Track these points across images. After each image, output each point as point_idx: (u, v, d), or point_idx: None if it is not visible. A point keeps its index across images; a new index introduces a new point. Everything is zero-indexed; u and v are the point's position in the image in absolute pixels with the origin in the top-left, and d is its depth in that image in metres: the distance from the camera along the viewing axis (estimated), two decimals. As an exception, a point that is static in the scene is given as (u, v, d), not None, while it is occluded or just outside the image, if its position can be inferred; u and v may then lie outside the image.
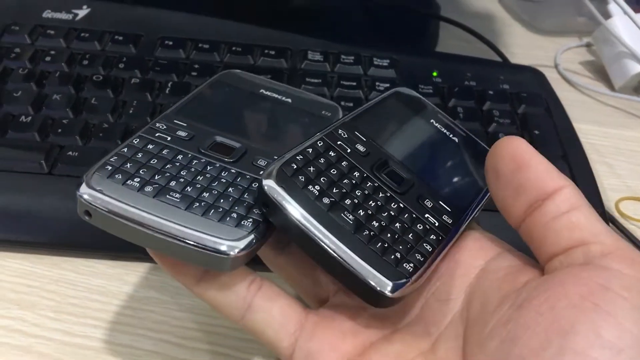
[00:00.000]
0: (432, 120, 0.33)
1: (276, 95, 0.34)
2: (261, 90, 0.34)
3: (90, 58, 0.45)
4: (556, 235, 0.24)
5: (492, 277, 0.26)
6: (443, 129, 0.33)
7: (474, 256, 0.27)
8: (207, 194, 0.26)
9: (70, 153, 0.38)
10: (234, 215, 0.25)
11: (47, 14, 0.49)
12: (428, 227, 0.27)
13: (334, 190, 0.26)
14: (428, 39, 0.59)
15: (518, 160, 0.24)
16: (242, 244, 0.25)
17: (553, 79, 0.54)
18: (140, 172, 0.26)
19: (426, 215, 0.27)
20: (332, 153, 0.27)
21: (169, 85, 0.43)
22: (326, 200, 0.25)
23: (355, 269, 0.24)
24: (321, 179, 0.26)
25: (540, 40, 0.64)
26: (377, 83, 0.46)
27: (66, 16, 0.49)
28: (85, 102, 0.41)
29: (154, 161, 0.27)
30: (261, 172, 0.26)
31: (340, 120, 0.30)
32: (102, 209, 0.25)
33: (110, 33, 0.47)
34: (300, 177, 0.26)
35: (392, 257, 0.25)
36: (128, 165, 0.26)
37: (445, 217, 0.27)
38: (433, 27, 0.60)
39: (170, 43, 0.47)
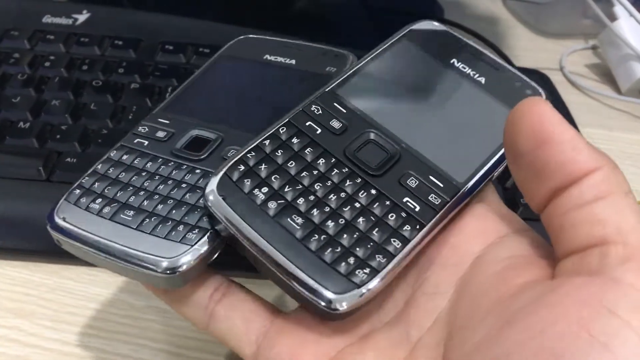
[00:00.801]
0: (453, 61, 0.28)
1: (280, 59, 0.32)
2: (266, 56, 0.32)
3: (89, 63, 0.44)
4: (574, 230, 0.20)
5: (487, 270, 0.22)
6: (465, 72, 0.28)
7: (472, 240, 0.24)
8: (162, 206, 0.25)
9: (68, 159, 0.37)
10: (180, 228, 0.25)
11: (47, 19, 0.48)
12: (404, 216, 0.23)
13: (287, 190, 0.24)
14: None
15: (540, 134, 0.20)
16: (184, 259, 0.24)
17: (558, 82, 0.53)
18: (105, 191, 0.26)
19: (405, 199, 0.24)
20: (295, 140, 0.25)
21: (169, 90, 0.43)
22: (272, 205, 0.23)
23: (296, 283, 0.22)
24: (273, 177, 0.24)
25: (545, 43, 0.63)
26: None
27: (66, 21, 0.48)
28: (84, 108, 0.41)
29: (122, 175, 0.27)
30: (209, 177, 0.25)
31: (322, 89, 0.27)
32: (64, 238, 0.26)
33: (110, 38, 0.47)
34: (246, 180, 0.24)
35: (344, 264, 0.22)
36: (96, 185, 0.26)
37: (432, 197, 0.24)
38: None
39: (171, 48, 0.46)
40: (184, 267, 0.24)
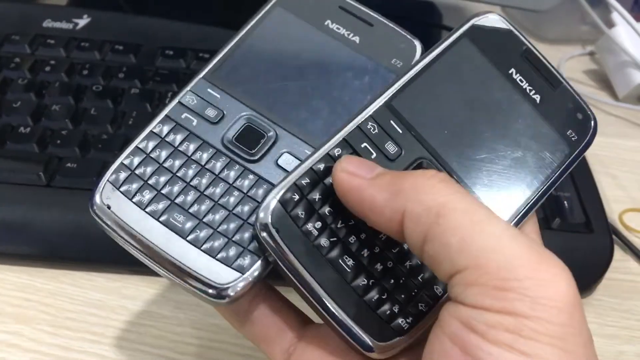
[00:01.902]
0: (511, 72, 0.26)
1: (343, 32, 0.28)
2: (327, 22, 0.28)
3: (90, 68, 0.44)
4: (432, 269, 0.21)
5: None
6: (522, 87, 0.26)
7: None
8: (213, 215, 0.25)
9: (69, 165, 0.38)
10: (232, 250, 0.24)
11: (48, 24, 0.48)
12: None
13: (339, 227, 0.23)
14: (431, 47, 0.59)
15: (358, 213, 0.22)
16: (236, 287, 0.24)
17: (556, 89, 0.53)
18: (152, 179, 0.25)
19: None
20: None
21: (169, 95, 0.43)
22: (326, 243, 0.23)
23: (339, 327, 0.23)
24: (327, 210, 0.23)
25: (543, 49, 0.62)
26: (378, 93, 0.46)
27: (66, 25, 0.48)
28: (84, 113, 0.41)
29: (169, 162, 0.26)
30: (261, 203, 0.23)
31: (379, 100, 0.25)
32: (109, 226, 0.25)
33: (110, 42, 0.47)
34: (300, 213, 0.23)
35: (388, 312, 0.23)
36: (142, 169, 0.25)
37: None
38: (435, 36, 0.60)
39: (171, 53, 0.47)
40: (234, 295, 0.23)
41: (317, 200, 0.23)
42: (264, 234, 0.23)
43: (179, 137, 0.26)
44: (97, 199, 0.25)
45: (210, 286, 0.23)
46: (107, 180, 0.25)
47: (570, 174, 0.41)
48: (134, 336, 0.34)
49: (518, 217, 0.25)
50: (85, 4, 0.56)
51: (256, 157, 0.26)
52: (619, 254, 0.42)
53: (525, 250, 0.19)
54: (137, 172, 0.25)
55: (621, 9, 0.51)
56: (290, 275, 0.23)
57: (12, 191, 0.36)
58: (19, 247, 0.36)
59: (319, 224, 0.23)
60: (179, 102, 0.27)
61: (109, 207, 0.25)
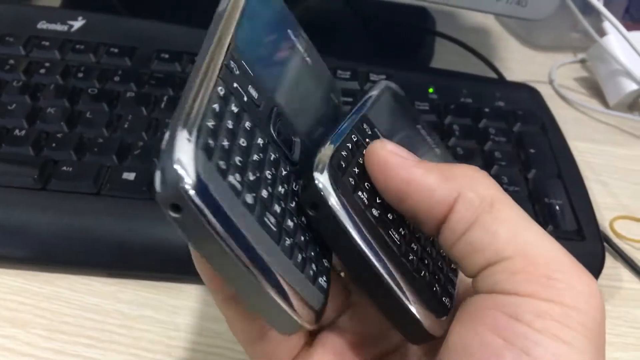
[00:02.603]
0: (418, 125, 0.30)
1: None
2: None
3: (85, 70, 0.44)
4: (463, 262, 0.21)
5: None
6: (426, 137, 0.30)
7: None
8: (289, 221, 0.21)
9: (64, 168, 0.37)
10: (313, 268, 0.21)
11: (42, 25, 0.48)
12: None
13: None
14: (424, 53, 0.59)
15: (397, 194, 0.22)
16: (318, 314, 0.21)
17: (548, 95, 0.54)
18: (236, 159, 0.19)
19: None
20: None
21: (165, 99, 0.43)
22: (375, 213, 0.22)
23: (407, 306, 0.22)
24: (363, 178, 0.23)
25: (535, 56, 0.64)
26: (373, 99, 0.46)
27: (61, 27, 0.48)
28: (80, 116, 0.41)
29: (242, 141, 0.20)
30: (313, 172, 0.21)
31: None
32: (200, 214, 0.17)
33: (105, 45, 0.47)
34: (349, 180, 0.22)
35: (435, 290, 0.23)
36: (224, 142, 0.19)
37: None
38: (429, 42, 0.60)
39: (166, 56, 0.47)
40: (317, 319, 0.21)
41: (356, 173, 0.23)
42: (322, 183, 0.21)
43: (237, 113, 0.20)
44: (194, 170, 0.17)
45: (310, 308, 0.20)
46: (199, 147, 0.17)
47: (563, 182, 0.42)
48: (129, 340, 0.34)
49: None
50: (79, 6, 0.56)
51: (295, 161, 0.23)
52: (610, 261, 0.42)
53: (564, 252, 0.21)
54: (220, 143, 0.19)
55: (612, 18, 0.52)
56: (352, 245, 0.21)
57: (7, 194, 0.36)
58: (15, 251, 0.36)
59: (366, 195, 0.22)
60: (226, 65, 0.20)
61: (206, 189, 0.17)
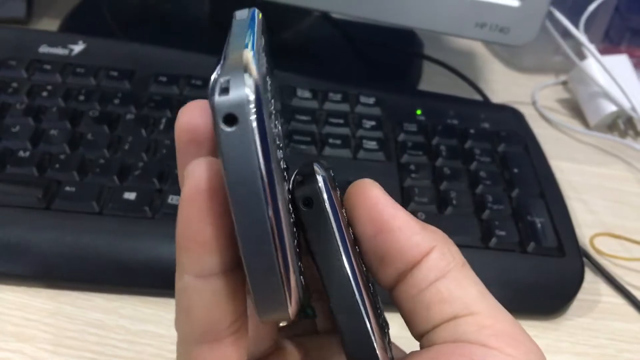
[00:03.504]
0: None
1: None
2: None
3: (86, 93, 0.46)
4: (426, 311, 0.21)
5: None
6: None
7: None
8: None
9: (67, 188, 0.39)
10: (299, 263, 0.21)
11: (44, 49, 0.50)
12: None
13: None
14: (412, 76, 0.62)
15: (376, 223, 0.21)
16: (299, 308, 0.21)
17: (531, 116, 0.56)
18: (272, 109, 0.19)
19: None
20: None
21: (163, 121, 0.45)
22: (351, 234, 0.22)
23: (370, 334, 0.21)
24: None
25: (519, 78, 0.66)
26: (363, 120, 0.48)
27: (62, 51, 0.50)
28: (82, 138, 0.43)
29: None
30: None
31: None
32: (252, 133, 0.17)
33: (105, 69, 0.49)
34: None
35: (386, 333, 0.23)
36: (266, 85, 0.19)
37: None
38: (417, 64, 0.63)
39: (164, 79, 0.48)
40: None
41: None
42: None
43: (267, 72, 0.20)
44: (257, 90, 0.17)
45: (297, 298, 0.20)
46: (260, 74, 0.17)
47: (545, 201, 0.44)
48: (131, 354, 0.35)
49: None
50: (77, 30, 0.58)
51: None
52: (589, 277, 0.44)
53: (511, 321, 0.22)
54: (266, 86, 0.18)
55: (589, 44, 0.54)
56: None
57: (13, 214, 0.38)
58: (20, 268, 0.37)
59: (345, 215, 0.22)
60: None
61: (263, 113, 0.17)
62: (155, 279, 0.38)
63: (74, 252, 0.37)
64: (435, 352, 0.21)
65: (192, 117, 0.19)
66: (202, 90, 0.48)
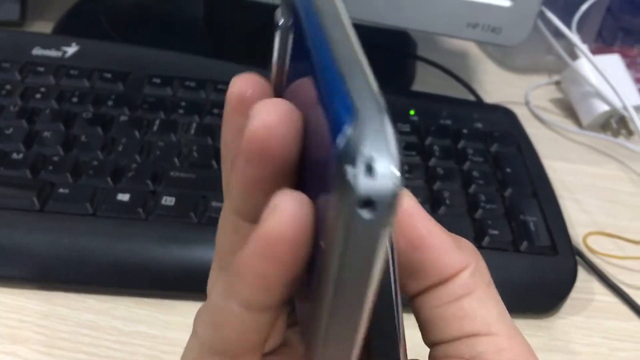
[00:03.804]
0: None
1: None
2: None
3: (79, 95, 0.46)
4: (445, 323, 0.21)
5: None
6: None
7: None
8: None
9: (61, 190, 0.39)
10: None
11: (37, 51, 0.50)
12: None
13: None
14: (405, 76, 0.62)
15: (414, 239, 0.21)
16: None
17: (524, 116, 0.56)
18: None
19: None
20: None
21: (157, 122, 0.45)
22: None
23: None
24: None
25: (512, 78, 0.66)
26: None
27: (56, 53, 0.50)
28: (75, 139, 0.43)
29: None
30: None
31: None
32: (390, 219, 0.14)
33: (99, 70, 0.49)
34: None
35: None
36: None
37: None
38: (410, 65, 0.63)
39: (158, 81, 0.49)
40: None
41: None
42: None
43: None
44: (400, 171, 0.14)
45: None
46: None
47: (538, 200, 0.44)
48: (124, 355, 0.35)
49: None
50: (71, 32, 0.58)
51: None
52: (583, 275, 0.44)
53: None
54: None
55: (580, 44, 0.55)
56: None
57: (6, 216, 0.38)
58: (13, 270, 0.37)
59: None
60: None
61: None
62: (148, 280, 0.38)
63: (67, 254, 0.37)
64: None
65: (246, 87, 0.19)
66: (195, 91, 0.48)
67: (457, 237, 0.22)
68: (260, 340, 0.19)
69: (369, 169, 0.13)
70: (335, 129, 0.14)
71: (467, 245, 0.22)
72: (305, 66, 0.17)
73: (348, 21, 0.18)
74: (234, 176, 0.18)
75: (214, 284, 0.22)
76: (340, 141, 0.13)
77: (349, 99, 0.14)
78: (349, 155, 0.13)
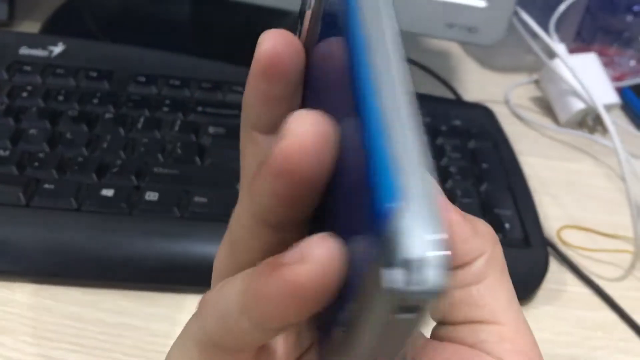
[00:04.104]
0: None
1: None
2: None
3: (65, 94, 0.47)
4: (451, 307, 0.21)
5: None
6: None
7: None
8: None
9: (46, 186, 0.40)
10: None
11: (24, 51, 0.51)
12: None
13: None
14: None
15: None
16: None
17: (503, 114, 0.58)
18: None
19: None
20: None
21: (142, 120, 0.46)
22: None
23: None
24: None
25: (493, 77, 0.68)
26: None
27: (42, 53, 0.51)
28: (61, 137, 0.43)
29: None
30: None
31: None
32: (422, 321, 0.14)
33: (84, 69, 0.49)
34: None
35: None
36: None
37: None
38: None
39: (143, 79, 0.49)
40: None
41: None
42: None
43: None
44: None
45: None
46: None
47: (512, 193, 0.46)
48: (109, 346, 0.36)
49: None
50: (58, 31, 0.59)
51: None
52: (556, 267, 0.45)
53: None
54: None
55: (557, 45, 0.56)
56: None
57: (-7, 211, 0.39)
58: (1, 264, 0.38)
59: None
60: None
61: None
62: (131, 273, 0.39)
63: (53, 248, 0.38)
64: (452, 353, 0.21)
65: (277, 45, 0.18)
66: (180, 90, 0.49)
67: (475, 220, 0.22)
68: (262, 343, 0.20)
69: (413, 272, 0.12)
70: (377, 212, 0.12)
71: (485, 229, 0.22)
72: (340, 45, 0.15)
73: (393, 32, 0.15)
74: (258, 183, 0.17)
75: (224, 268, 0.22)
76: (381, 234, 0.12)
77: (395, 181, 0.12)
78: (389, 256, 0.12)
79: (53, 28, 0.61)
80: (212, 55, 0.54)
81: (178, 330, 0.37)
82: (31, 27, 0.62)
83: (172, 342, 0.36)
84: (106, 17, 0.64)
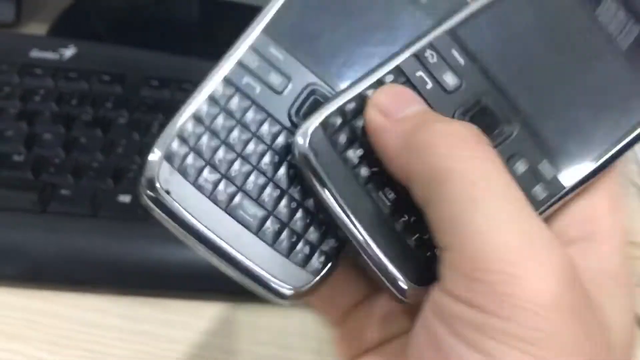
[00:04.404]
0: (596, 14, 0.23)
1: None
2: None
3: (79, 98, 0.46)
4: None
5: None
6: (608, 30, 0.23)
7: None
8: (285, 209, 0.22)
9: (62, 191, 0.40)
10: (306, 249, 0.22)
11: (34, 53, 0.50)
12: None
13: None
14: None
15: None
16: (303, 288, 0.22)
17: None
18: (215, 158, 0.22)
19: None
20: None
21: (155, 124, 0.45)
22: (364, 173, 0.21)
23: (376, 268, 0.21)
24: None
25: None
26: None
27: (53, 56, 0.50)
28: (75, 141, 0.43)
29: (233, 135, 0.22)
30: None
31: (441, 27, 0.22)
32: (165, 216, 0.22)
33: (97, 73, 0.49)
34: (341, 138, 0.21)
35: (428, 255, 0.21)
36: (203, 143, 0.22)
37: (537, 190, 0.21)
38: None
39: (156, 83, 0.49)
40: (302, 294, 0.22)
41: (361, 128, 0.21)
42: (301, 159, 0.21)
43: (241, 108, 0.22)
44: (156, 181, 0.21)
45: (282, 287, 0.22)
46: (164, 158, 0.22)
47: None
48: (124, 352, 0.36)
49: (582, 177, 0.22)
50: (66, 33, 0.59)
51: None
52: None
53: (516, 238, 0.17)
54: (197, 148, 0.22)
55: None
56: (326, 203, 0.21)
57: (8, 217, 0.38)
58: (16, 271, 0.38)
59: (360, 152, 0.21)
60: (240, 62, 0.23)
61: (168, 193, 0.21)
62: (147, 280, 0.39)
63: (69, 254, 0.38)
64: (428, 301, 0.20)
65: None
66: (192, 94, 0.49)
67: (423, 119, 0.21)
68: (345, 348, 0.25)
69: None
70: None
71: (424, 132, 0.20)
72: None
73: None
74: None
75: None
76: None
77: None
78: None
79: (61, 29, 0.61)
80: (221, 58, 0.53)
81: (195, 337, 0.37)
82: (38, 28, 0.62)
83: (189, 348, 0.37)
84: (113, 18, 0.64)
